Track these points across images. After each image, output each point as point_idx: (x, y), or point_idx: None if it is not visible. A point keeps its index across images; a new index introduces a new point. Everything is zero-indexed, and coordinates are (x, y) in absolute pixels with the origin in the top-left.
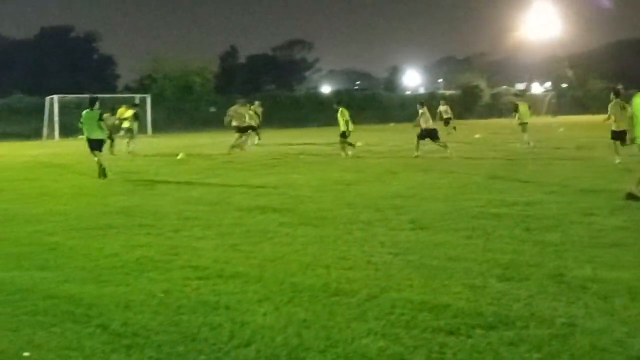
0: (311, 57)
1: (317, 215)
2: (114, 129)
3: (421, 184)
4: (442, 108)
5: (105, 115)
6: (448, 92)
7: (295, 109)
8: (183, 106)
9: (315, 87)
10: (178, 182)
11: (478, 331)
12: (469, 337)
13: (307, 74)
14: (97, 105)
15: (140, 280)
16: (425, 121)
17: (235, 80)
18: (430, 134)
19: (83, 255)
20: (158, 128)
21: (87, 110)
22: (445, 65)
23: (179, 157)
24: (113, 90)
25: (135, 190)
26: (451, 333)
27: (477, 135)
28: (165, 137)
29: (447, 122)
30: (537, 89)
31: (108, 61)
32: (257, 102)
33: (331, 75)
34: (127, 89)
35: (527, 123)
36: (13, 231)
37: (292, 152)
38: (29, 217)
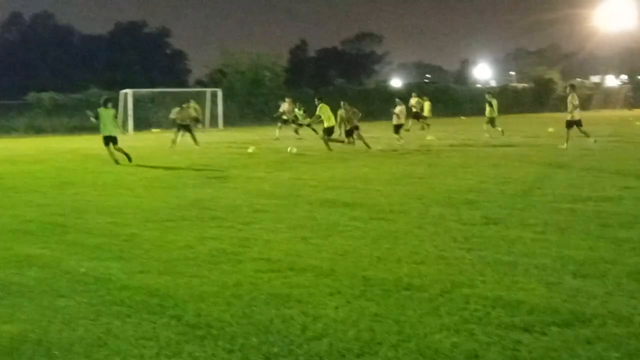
0: (381, 50)
1: (388, 209)
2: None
3: (493, 178)
4: (412, 101)
5: (175, 110)
6: (520, 85)
7: (364, 103)
8: (253, 100)
9: (385, 81)
10: (249, 176)
11: (553, 328)
12: (544, 334)
13: (376, 67)
14: (110, 104)
15: (213, 272)
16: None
17: (304, 74)
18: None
19: (157, 246)
20: (229, 122)
21: (102, 108)
22: (517, 57)
23: (249, 151)
24: (184, 84)
25: (207, 183)
26: (526, 330)
27: (550, 129)
28: (236, 131)
29: (417, 116)
30: (612, 81)
31: (180, 56)
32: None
33: (401, 68)
34: (198, 83)
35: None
36: (89, 222)
37: (361, 145)
38: (105, 208)
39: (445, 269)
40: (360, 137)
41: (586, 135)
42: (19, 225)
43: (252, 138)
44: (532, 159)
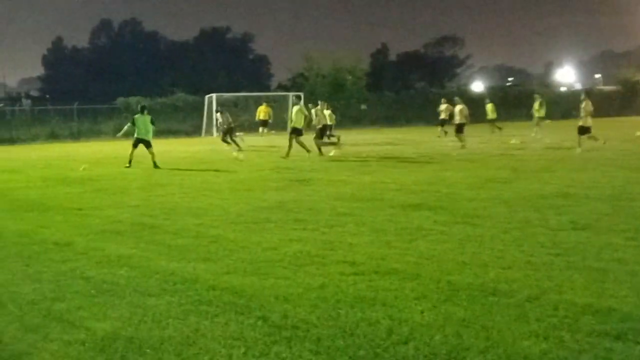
0: (462, 54)
1: (472, 214)
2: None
3: (580, 183)
4: (442, 107)
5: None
6: (607, 88)
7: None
8: (335, 104)
9: (467, 84)
10: (331, 179)
11: None
12: (638, 343)
13: (458, 70)
14: (146, 111)
15: (298, 274)
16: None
17: (385, 78)
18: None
19: (243, 248)
20: (310, 125)
21: (139, 114)
22: (603, 60)
23: (331, 154)
24: (267, 88)
25: (290, 186)
26: (618, 338)
27: (638, 133)
28: None
29: (443, 123)
30: None
31: (262, 61)
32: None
33: (483, 71)
34: (280, 87)
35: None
36: (177, 223)
37: (444, 149)
38: (192, 210)
39: (533, 274)
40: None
41: (595, 139)
42: (110, 226)
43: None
44: (619, 163)
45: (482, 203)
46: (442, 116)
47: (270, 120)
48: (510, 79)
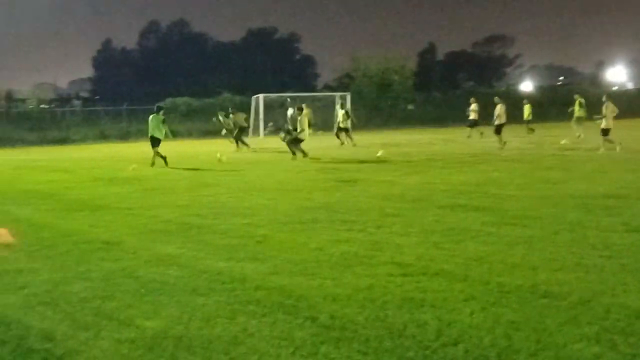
0: (512, 53)
1: (522, 215)
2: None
3: (633, 184)
4: (473, 107)
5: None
6: None
7: (494, 106)
8: (381, 104)
9: (516, 84)
10: (378, 179)
11: None
12: None
13: (507, 70)
14: (161, 112)
15: (345, 274)
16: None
17: (433, 78)
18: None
19: (290, 248)
20: (356, 126)
21: (154, 114)
22: None
23: (378, 155)
24: (313, 89)
25: (336, 186)
26: None
27: None
28: (364, 135)
29: (473, 124)
30: None
31: (309, 61)
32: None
33: (533, 71)
34: (327, 88)
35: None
36: (224, 223)
37: (492, 149)
38: (239, 210)
39: (584, 276)
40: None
41: (610, 142)
42: (159, 226)
43: (380, 142)
44: None
45: (531, 204)
46: (472, 116)
47: (311, 122)
48: (560, 78)
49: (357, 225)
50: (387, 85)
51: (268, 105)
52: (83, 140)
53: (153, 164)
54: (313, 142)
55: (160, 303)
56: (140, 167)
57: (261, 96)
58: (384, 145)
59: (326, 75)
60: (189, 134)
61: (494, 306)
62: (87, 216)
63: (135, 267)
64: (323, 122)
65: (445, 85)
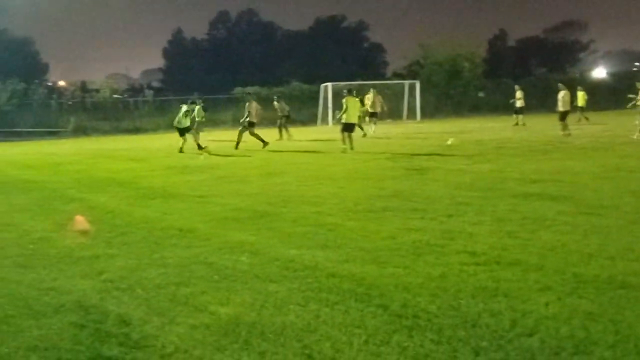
0: (585, 38)
1: (598, 204)
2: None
3: None
4: (518, 94)
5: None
6: None
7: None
8: (451, 91)
9: (589, 70)
10: (449, 168)
11: None
12: None
13: (581, 55)
14: (196, 104)
15: (417, 263)
16: None
17: (504, 64)
18: None
19: (361, 236)
20: (426, 114)
21: (188, 104)
22: None
23: (448, 143)
24: (382, 77)
25: (406, 174)
26: None
27: None
28: (434, 123)
29: (518, 111)
30: None
31: (377, 49)
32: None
33: (607, 56)
34: (396, 76)
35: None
36: (295, 211)
37: (566, 137)
38: (309, 198)
39: None
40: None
41: None
42: (231, 213)
43: (450, 130)
44: None
45: (608, 193)
46: (518, 104)
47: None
48: (636, 64)
49: (428, 214)
50: (457, 72)
51: (336, 94)
52: (155, 129)
53: (181, 150)
54: (381, 129)
55: (234, 289)
56: (211, 155)
57: (330, 85)
58: (454, 133)
59: (395, 63)
60: (259, 123)
61: (570, 297)
62: (161, 204)
63: (208, 254)
64: (391, 111)
65: (517, 72)
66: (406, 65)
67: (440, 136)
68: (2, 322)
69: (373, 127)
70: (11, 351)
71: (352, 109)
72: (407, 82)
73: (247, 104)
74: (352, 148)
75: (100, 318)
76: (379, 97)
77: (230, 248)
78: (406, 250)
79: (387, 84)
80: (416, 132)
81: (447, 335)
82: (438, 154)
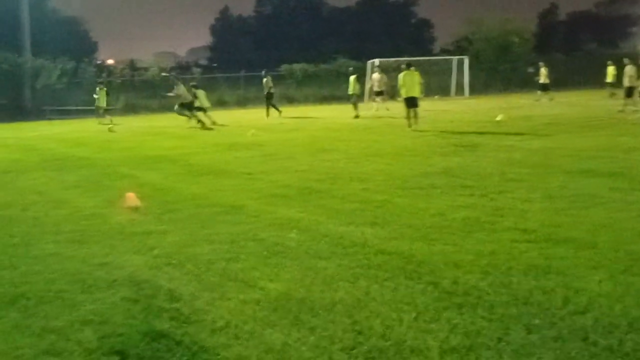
0: (637, 13)
1: None
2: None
3: None
4: (543, 71)
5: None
6: None
7: (621, 68)
8: (500, 67)
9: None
10: (498, 144)
11: None
12: None
13: (633, 30)
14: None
15: (467, 240)
16: None
17: (554, 39)
18: None
19: (410, 213)
20: (475, 90)
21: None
22: None
23: (497, 119)
24: (429, 53)
25: (455, 151)
26: None
27: None
28: (482, 99)
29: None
30: None
31: (425, 24)
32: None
33: None
34: (443, 52)
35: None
36: (343, 188)
37: (615, 112)
38: (357, 175)
39: None
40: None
41: None
42: (279, 190)
43: (500, 106)
44: None
45: None
46: (542, 80)
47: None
48: None
49: (478, 191)
50: (506, 47)
51: (384, 70)
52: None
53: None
54: (427, 105)
55: (283, 266)
56: (259, 132)
57: (377, 61)
58: (504, 109)
59: (443, 38)
60: (305, 100)
61: (624, 274)
62: (210, 181)
63: (257, 230)
64: (439, 87)
65: (567, 47)
66: (454, 41)
67: (489, 112)
68: (57, 297)
69: (375, 105)
70: (66, 325)
71: (410, 82)
72: (455, 58)
73: (174, 87)
74: (415, 124)
75: (152, 293)
76: (383, 76)
77: (279, 224)
78: (456, 228)
79: (434, 60)
80: (464, 108)
81: (498, 313)
82: (487, 131)
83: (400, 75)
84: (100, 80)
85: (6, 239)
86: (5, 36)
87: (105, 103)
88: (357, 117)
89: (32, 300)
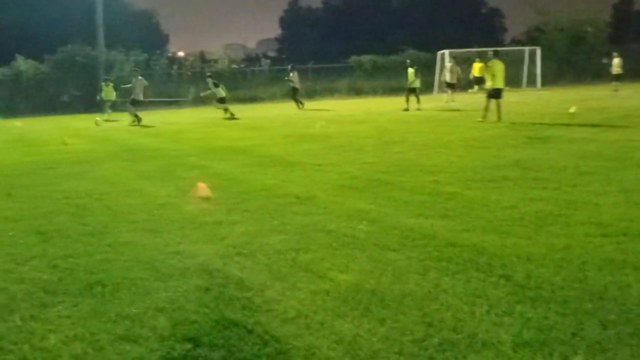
0: None
1: None
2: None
3: None
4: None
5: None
6: None
7: None
8: (573, 58)
9: None
10: (572, 136)
11: None
12: None
13: None
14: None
15: (540, 233)
16: None
17: (630, 29)
18: None
19: (481, 205)
20: (547, 81)
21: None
22: None
23: (571, 111)
24: (500, 43)
25: (527, 143)
26: None
27: None
28: (555, 90)
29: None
30: None
31: (496, 14)
32: None
33: None
34: (514, 42)
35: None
36: (412, 180)
37: None
38: (426, 167)
39: None
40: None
41: None
42: (348, 182)
43: (573, 97)
44: None
45: None
46: (615, 71)
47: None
48: None
49: (551, 184)
50: (579, 38)
51: (458, 62)
52: (271, 98)
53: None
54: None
55: (353, 257)
56: (327, 124)
57: (446, 52)
58: (577, 101)
59: (514, 29)
60: (374, 92)
61: None
62: (279, 172)
63: (326, 222)
64: (510, 78)
65: None
66: (525, 31)
67: (562, 104)
68: (132, 284)
69: (445, 97)
70: (140, 311)
71: (500, 72)
72: (527, 49)
73: (133, 79)
74: (499, 118)
75: (224, 282)
76: (456, 68)
77: (348, 216)
78: (528, 221)
79: (505, 50)
80: (536, 100)
81: (572, 308)
82: (560, 123)
83: (490, 64)
84: (106, 77)
85: (81, 228)
86: (80, 30)
87: (113, 97)
88: (406, 110)
89: (108, 287)
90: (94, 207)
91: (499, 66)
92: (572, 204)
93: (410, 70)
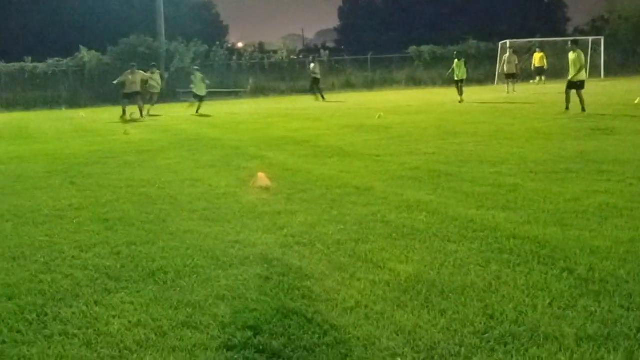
0: None
1: None
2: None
3: None
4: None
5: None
6: None
7: None
8: (639, 48)
9: None
10: (637, 128)
11: None
12: None
13: None
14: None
15: (605, 226)
16: None
17: None
18: None
19: (543, 198)
20: (610, 71)
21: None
22: None
23: (636, 102)
24: (562, 33)
25: (591, 134)
26: None
27: None
28: (619, 81)
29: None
30: None
31: (559, 4)
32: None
33: None
34: (577, 32)
35: None
36: (473, 171)
37: None
38: (487, 158)
39: None
40: None
41: None
42: (407, 172)
43: (638, 88)
44: None
45: None
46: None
47: (546, 68)
48: None
49: (616, 176)
50: None
51: (516, 52)
52: (330, 89)
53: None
54: (561, 87)
55: (412, 248)
56: (386, 115)
57: (508, 42)
58: None
59: (577, 18)
60: (433, 82)
61: None
62: (338, 162)
63: (386, 212)
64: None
65: None
66: (589, 20)
67: (627, 95)
68: (193, 272)
69: (506, 88)
70: (202, 299)
71: (579, 63)
72: (590, 39)
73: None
74: (583, 109)
75: (284, 271)
76: (516, 58)
77: (407, 207)
78: (592, 213)
79: (568, 40)
80: (600, 91)
81: (637, 302)
82: (625, 114)
83: (575, 55)
84: (153, 64)
85: (144, 216)
86: (142, 21)
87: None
88: (461, 101)
89: (170, 275)
90: (156, 195)
91: (582, 57)
92: (638, 196)
93: (456, 62)
